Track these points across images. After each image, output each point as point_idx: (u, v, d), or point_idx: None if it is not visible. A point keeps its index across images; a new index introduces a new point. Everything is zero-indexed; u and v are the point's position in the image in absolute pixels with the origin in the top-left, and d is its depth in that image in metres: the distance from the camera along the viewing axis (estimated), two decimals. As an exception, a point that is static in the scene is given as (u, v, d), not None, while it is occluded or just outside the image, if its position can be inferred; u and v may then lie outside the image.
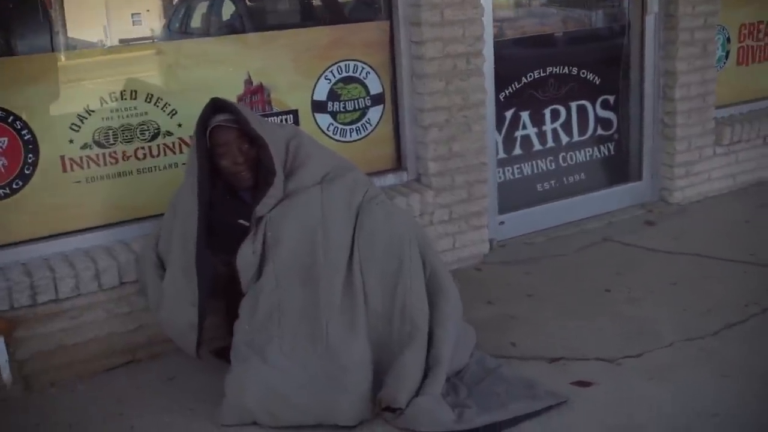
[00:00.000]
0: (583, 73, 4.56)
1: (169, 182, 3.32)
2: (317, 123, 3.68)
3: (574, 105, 4.56)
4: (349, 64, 3.71)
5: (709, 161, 4.80)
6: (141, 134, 3.29)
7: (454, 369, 2.89)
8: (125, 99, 3.24)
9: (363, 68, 3.74)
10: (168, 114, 3.33)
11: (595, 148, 4.69)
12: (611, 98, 4.69)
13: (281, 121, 3.56)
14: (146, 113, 3.29)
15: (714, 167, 4.84)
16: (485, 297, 3.63)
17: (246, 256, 2.85)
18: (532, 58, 4.42)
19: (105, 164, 3.25)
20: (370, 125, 3.82)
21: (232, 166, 2.88)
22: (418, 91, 3.75)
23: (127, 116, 3.26)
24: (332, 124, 3.73)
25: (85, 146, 3.20)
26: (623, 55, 4.67)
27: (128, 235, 3.29)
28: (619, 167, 4.79)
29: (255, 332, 2.81)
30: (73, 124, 3.17)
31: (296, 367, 2.75)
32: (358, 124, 3.79)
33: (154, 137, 3.32)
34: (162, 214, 3.14)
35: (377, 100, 3.82)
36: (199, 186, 2.82)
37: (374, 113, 3.82)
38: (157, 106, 3.31)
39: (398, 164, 3.93)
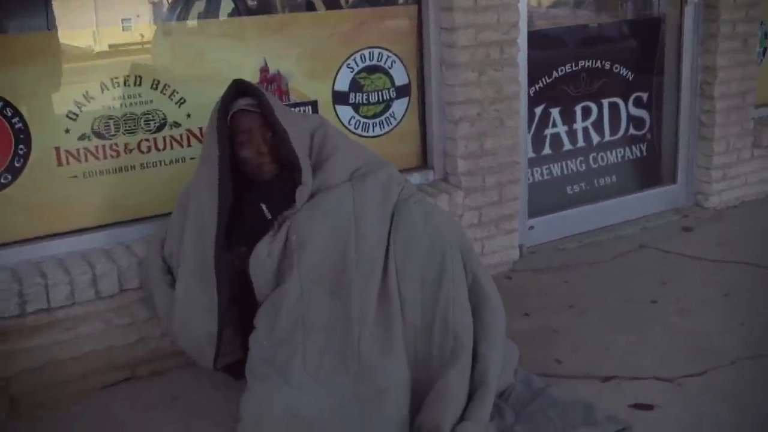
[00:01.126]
0: (616, 68, 4.25)
1: (175, 178, 2.99)
2: (338, 116, 3.35)
3: (606, 102, 4.25)
4: (373, 52, 3.38)
5: (746, 164, 4.50)
6: (145, 125, 2.95)
7: (498, 389, 2.56)
8: (128, 85, 2.90)
9: (388, 57, 3.42)
10: (176, 103, 2.99)
11: (627, 149, 4.38)
12: (644, 95, 4.38)
13: (299, 112, 3.22)
14: (151, 101, 2.95)
15: (752, 170, 4.54)
16: (521, 308, 3.31)
17: (260, 257, 2.52)
18: (563, 50, 4.12)
19: (105, 157, 2.90)
20: (395, 119, 3.50)
21: (255, 157, 2.55)
22: (448, 83, 3.43)
23: (131, 104, 2.92)
24: (354, 117, 3.40)
25: (82, 137, 2.86)
26: (658, 49, 4.36)
27: (130, 236, 2.95)
28: (652, 169, 4.49)
29: (275, 347, 2.47)
30: (70, 111, 2.82)
31: (323, 389, 2.41)
32: (382, 118, 3.47)
33: (159, 128, 2.98)
34: (168, 214, 2.81)
35: (403, 91, 3.49)
36: (220, 176, 2.49)
37: (399, 106, 3.50)
38: (164, 94, 2.97)
39: (424, 162, 3.60)
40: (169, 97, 2.98)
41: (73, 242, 2.87)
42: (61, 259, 2.79)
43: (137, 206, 2.99)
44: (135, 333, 2.83)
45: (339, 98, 3.34)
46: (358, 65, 3.36)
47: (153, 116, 2.96)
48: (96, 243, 2.89)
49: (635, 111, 4.36)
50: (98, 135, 2.88)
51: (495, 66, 3.47)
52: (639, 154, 4.42)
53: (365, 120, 3.42)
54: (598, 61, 4.18)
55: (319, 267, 2.50)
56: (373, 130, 3.45)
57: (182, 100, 3.00)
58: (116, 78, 2.88)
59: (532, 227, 3.95)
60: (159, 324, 2.77)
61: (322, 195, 2.57)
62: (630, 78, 4.30)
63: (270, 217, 2.56)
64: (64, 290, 2.68)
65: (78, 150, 2.85)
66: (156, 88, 2.95)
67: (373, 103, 3.43)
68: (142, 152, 2.97)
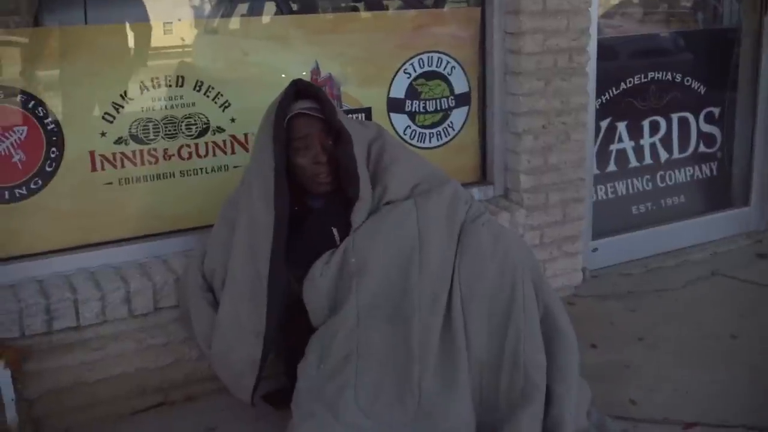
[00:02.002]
0: (687, 81, 3.96)
1: (218, 188, 2.76)
2: (392, 124, 3.10)
3: (675, 117, 3.96)
4: (432, 57, 3.13)
5: (825, 186, 4.18)
6: (187, 129, 2.73)
7: (570, 434, 2.29)
8: (170, 86, 2.68)
9: (448, 62, 3.16)
10: (220, 106, 2.77)
11: (696, 167, 4.08)
12: (716, 110, 4.08)
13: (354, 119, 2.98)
14: (194, 104, 2.73)
15: (830, 193, 4.21)
16: (587, 338, 3.02)
17: (314, 279, 2.27)
18: (632, 60, 3.84)
19: (143, 163, 2.68)
20: (453, 129, 3.24)
21: (312, 166, 2.30)
22: (512, 92, 3.17)
23: (172, 107, 2.70)
24: (410, 127, 3.15)
25: (119, 141, 2.64)
26: (733, 62, 4.06)
27: (167, 249, 2.72)
28: (723, 190, 4.18)
29: (325, 379, 2.21)
30: (106, 113, 2.61)
31: (376, 427, 2.15)
32: (440, 128, 3.21)
33: (202, 133, 2.76)
34: (209, 227, 2.58)
35: (462, 100, 3.23)
36: (276, 187, 2.24)
37: (458, 116, 3.24)
38: (208, 97, 2.74)
39: (483, 176, 3.34)
40: (213, 100, 2.75)
41: (106, 255, 2.64)
42: (92, 273, 2.57)
43: (176, 217, 2.77)
44: (169, 355, 2.60)
45: (394, 106, 3.10)
46: (415, 71, 3.11)
47: (195, 120, 2.74)
48: (130, 256, 2.67)
49: (706, 127, 4.07)
50: (136, 139, 2.66)
51: (562, 75, 3.20)
52: (709, 174, 4.13)
53: (422, 130, 3.17)
54: (669, 73, 3.90)
55: (378, 293, 2.24)
56: (430, 141, 3.20)
57: (227, 104, 2.77)
58: (157, 78, 2.66)
59: (596, 249, 3.66)
60: (196, 345, 2.53)
61: (382, 213, 2.32)
62: (702, 92, 4.01)
63: (339, 239, 2.31)
64: (94, 307, 2.46)
65: (114, 155, 2.64)
66: (199, 90, 2.73)
67: (431, 112, 3.18)
68: (183, 159, 2.74)
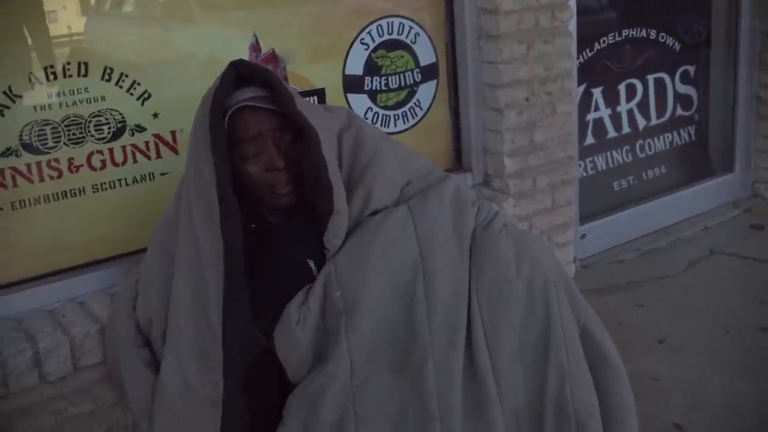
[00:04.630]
0: (662, 37, 3.53)
1: (143, 203, 2.16)
2: (351, 107, 2.55)
3: (651, 78, 3.54)
4: (393, 23, 2.58)
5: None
6: (97, 131, 2.11)
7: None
8: (70, 76, 2.05)
9: (411, 28, 2.62)
10: (137, 99, 2.15)
11: (675, 134, 3.68)
12: (691, 69, 3.68)
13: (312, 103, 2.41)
14: (103, 98, 2.11)
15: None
16: (599, 346, 2.55)
17: (288, 327, 1.70)
18: (605, 17, 3.38)
19: (41, 179, 2.05)
20: (420, 109, 2.71)
21: (267, 174, 1.73)
22: (488, 59, 2.66)
23: (74, 103, 2.07)
24: (371, 109, 2.60)
25: (7, 152, 2.00)
26: (709, 14, 3.66)
27: (83, 289, 2.10)
28: (703, 156, 3.80)
29: (313, 452, 1.66)
30: (-14, 117, 1.97)
31: None
32: (405, 108, 2.67)
33: (116, 135, 2.14)
34: (137, 253, 1.98)
35: (429, 73, 2.70)
36: (223, 206, 1.66)
37: (425, 92, 2.70)
38: (121, 87, 2.13)
39: (458, 162, 2.82)
40: (129, 91, 2.14)
41: (1, 304, 2.00)
42: (-15, 331, 1.94)
43: (91, 246, 2.15)
44: (99, 425, 1.99)
45: (351, 84, 2.54)
46: (374, 40, 2.56)
47: (106, 118, 2.12)
48: (35, 302, 2.04)
49: (682, 88, 3.66)
50: (30, 148, 2.02)
51: (545, 36, 2.70)
52: (687, 139, 3.73)
53: (384, 112, 2.63)
54: (643, 30, 3.46)
55: (375, 335, 1.69)
56: (395, 125, 2.66)
57: (146, 95, 2.16)
58: (51, 67, 2.02)
59: (584, 235, 3.21)
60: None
61: (369, 228, 1.76)
62: (677, 48, 3.59)
63: (315, 270, 1.75)
64: (-8, 378, 1.84)
65: (2, 171, 2.00)
66: (109, 80, 2.11)
67: (394, 90, 2.63)
68: (94, 169, 2.12)
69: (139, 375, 1.80)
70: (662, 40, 3.54)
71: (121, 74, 2.12)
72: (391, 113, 2.64)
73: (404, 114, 2.67)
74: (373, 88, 2.59)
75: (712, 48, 3.72)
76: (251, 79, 1.75)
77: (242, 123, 1.71)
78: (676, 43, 3.59)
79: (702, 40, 3.70)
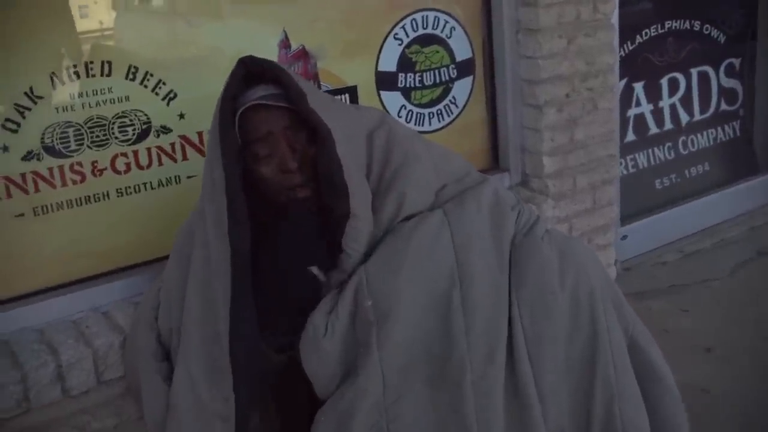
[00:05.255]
0: (706, 29, 3.39)
1: (168, 208, 2.09)
2: (384, 105, 2.45)
3: (694, 72, 3.40)
4: (427, 17, 2.47)
5: None
6: (121, 132, 2.03)
7: None
8: (93, 76, 1.97)
9: (446, 22, 2.51)
10: (163, 99, 2.07)
11: (719, 129, 3.53)
12: (736, 62, 3.53)
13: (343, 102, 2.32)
14: (128, 98, 2.02)
15: None
16: (643, 355, 2.43)
17: (315, 337, 1.60)
18: (647, 8, 3.24)
19: (64, 184, 1.98)
20: (456, 106, 2.60)
21: (281, 176, 1.63)
22: (527, 54, 2.54)
23: (98, 104, 1.99)
24: (404, 107, 2.50)
25: (29, 156, 1.92)
26: (756, 4, 3.51)
27: (106, 298, 2.03)
28: (747, 153, 3.65)
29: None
30: (8, 120, 1.88)
31: None
32: (440, 106, 2.56)
33: (141, 137, 2.06)
34: (162, 260, 1.90)
35: (465, 69, 2.59)
36: (231, 209, 1.57)
37: (461, 89, 2.60)
38: (146, 87, 2.04)
39: (494, 162, 2.72)
40: (154, 91, 2.06)
41: (22, 314, 1.93)
42: (5, 343, 1.87)
43: (114, 253, 2.07)
44: (123, 438, 1.93)
45: (385, 81, 2.44)
46: (407, 35, 2.45)
47: (131, 119, 2.04)
48: (57, 312, 1.96)
49: (727, 81, 3.52)
50: (52, 151, 1.95)
51: (586, 30, 2.58)
52: (732, 135, 3.58)
53: (419, 110, 2.52)
54: (687, 21, 3.31)
55: (409, 346, 1.59)
56: (430, 123, 2.56)
57: (171, 95, 2.08)
58: (74, 66, 1.94)
59: (625, 237, 3.08)
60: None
61: (402, 233, 1.66)
62: (722, 41, 3.45)
63: (323, 279, 1.65)
64: (13, 393, 1.76)
65: (23, 176, 1.92)
66: (134, 79, 2.03)
67: (429, 87, 2.53)
68: (119, 173, 2.05)
69: (156, 389, 1.71)
70: (706, 32, 3.39)
71: (146, 73, 2.04)
72: (426, 111, 2.54)
73: (439, 112, 2.56)
74: (407, 85, 2.48)
75: (758, 40, 3.57)
76: (262, 77, 1.65)
77: (252, 122, 1.61)
78: (721, 35, 3.44)
79: (748, 31, 3.54)
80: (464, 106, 2.61)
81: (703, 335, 2.57)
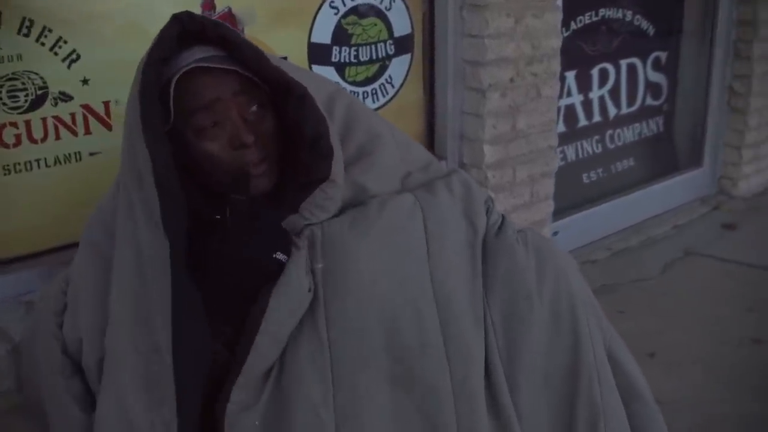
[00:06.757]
0: (637, 20, 3.29)
1: (69, 191, 1.75)
2: (316, 82, 2.18)
3: (624, 63, 3.29)
4: (366, -15, 2.23)
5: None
6: (10, 98, 1.69)
7: None
8: (-24, 27, 1.63)
9: (386, -8, 2.28)
10: (63, 60, 1.75)
11: (644, 124, 3.45)
12: (663, 55, 3.45)
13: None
14: (20, 57, 1.69)
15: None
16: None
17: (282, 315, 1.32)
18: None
19: (-63, 157, 1.63)
20: (392, 86, 2.37)
21: (233, 154, 1.34)
22: (472, 32, 2.33)
23: (-18, 62, 1.65)
24: (339, 84, 2.23)
25: None
26: (684, -3, 3.46)
27: (-10, 296, 1.69)
28: (670, 149, 3.59)
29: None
30: None
31: None
32: (375, 85, 2.33)
33: (36, 104, 1.73)
34: (62, 250, 1.59)
35: (403, 45, 2.36)
36: (164, 197, 1.28)
37: (398, 67, 2.37)
38: (43, 45, 1.71)
39: (430, 149, 2.49)
40: (52, 50, 1.72)
41: None
42: None
43: (4, 246, 1.73)
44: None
45: (318, 54, 2.18)
46: (344, 4, 2.20)
47: (23, 83, 1.70)
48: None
49: (653, 75, 3.43)
50: (-77, 117, 1.60)
51: (534, 10, 2.40)
52: (655, 130, 3.51)
53: (353, 88, 2.28)
54: (620, 11, 3.20)
55: (368, 333, 1.33)
56: (364, 103, 2.31)
57: (74, 56, 1.75)
58: (-47, 14, 1.60)
59: (556, 233, 2.93)
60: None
61: (371, 205, 1.39)
62: (651, 32, 3.36)
63: (285, 260, 1.37)
64: None
65: None
66: (27, 34, 1.69)
67: (365, 63, 2.28)
68: (6, 146, 1.71)
69: (67, 413, 1.41)
70: (637, 23, 3.29)
71: (44, 28, 1.71)
72: (360, 90, 2.29)
73: (374, 91, 2.33)
74: (342, 60, 2.23)
75: (684, 33, 3.51)
76: (201, 37, 1.37)
77: (194, 88, 1.32)
78: (651, 27, 3.35)
79: (675, 24, 3.48)
80: (400, 87, 2.38)
81: (643, 339, 2.43)
